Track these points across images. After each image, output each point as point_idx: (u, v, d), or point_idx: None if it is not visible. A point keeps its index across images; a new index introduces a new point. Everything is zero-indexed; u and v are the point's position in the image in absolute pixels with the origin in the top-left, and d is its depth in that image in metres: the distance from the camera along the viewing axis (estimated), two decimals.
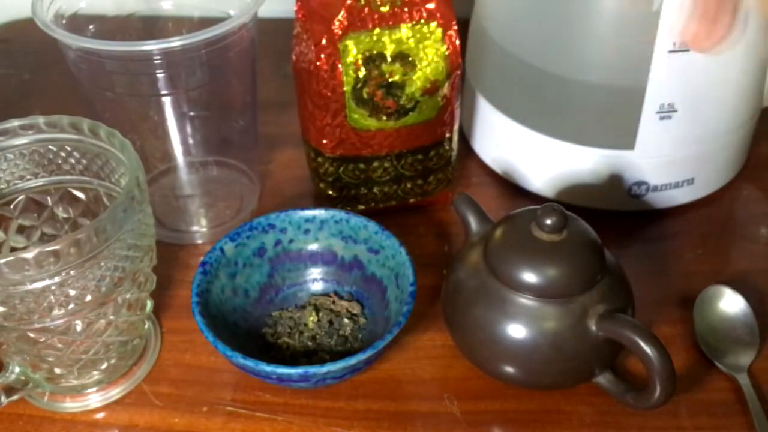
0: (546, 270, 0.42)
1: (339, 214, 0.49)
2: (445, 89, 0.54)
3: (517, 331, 0.42)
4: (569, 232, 0.43)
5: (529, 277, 0.42)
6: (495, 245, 0.44)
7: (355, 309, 0.50)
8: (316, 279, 0.51)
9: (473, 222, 0.48)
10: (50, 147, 0.45)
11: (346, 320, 0.49)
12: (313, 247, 0.50)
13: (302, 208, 0.50)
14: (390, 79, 0.52)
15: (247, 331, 0.48)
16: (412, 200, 0.59)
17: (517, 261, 0.43)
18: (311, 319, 0.49)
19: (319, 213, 0.49)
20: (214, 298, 0.46)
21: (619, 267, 0.45)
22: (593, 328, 0.42)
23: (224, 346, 0.42)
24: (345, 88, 0.51)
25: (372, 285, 0.49)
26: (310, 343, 0.48)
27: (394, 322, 0.43)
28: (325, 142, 0.54)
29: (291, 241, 0.50)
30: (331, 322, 0.49)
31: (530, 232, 0.43)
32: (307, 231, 0.50)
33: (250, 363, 0.41)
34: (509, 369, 0.44)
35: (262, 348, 0.48)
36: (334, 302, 0.50)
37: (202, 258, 0.47)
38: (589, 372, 0.44)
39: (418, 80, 0.52)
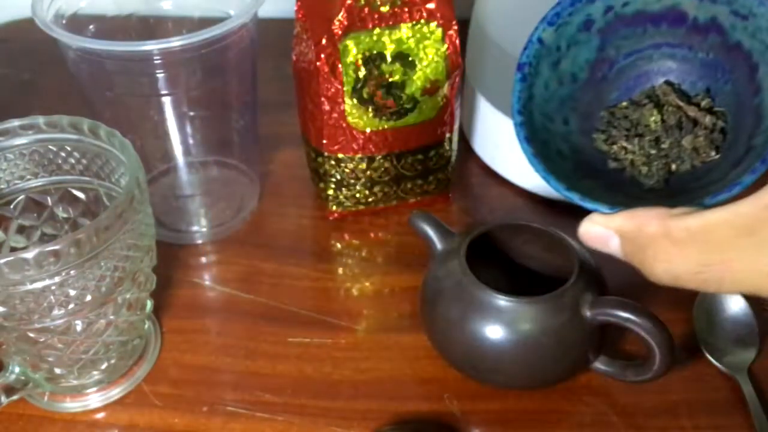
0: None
1: None
2: (445, 89, 0.54)
3: (518, 336, 0.42)
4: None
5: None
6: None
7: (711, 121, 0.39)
8: (658, 44, 0.41)
9: (435, 237, 0.48)
10: (50, 147, 0.45)
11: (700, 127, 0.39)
12: (655, 8, 0.40)
13: None
14: (390, 79, 0.52)
15: (574, 148, 0.41)
16: (412, 200, 0.59)
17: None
18: (652, 119, 0.40)
19: None
20: (537, 102, 0.40)
21: (588, 256, 0.46)
22: (587, 315, 0.42)
23: (557, 182, 0.36)
24: (345, 88, 0.51)
25: (736, 58, 0.38)
26: (653, 151, 0.39)
27: None
28: (325, 142, 0.54)
29: (626, 4, 0.40)
30: (680, 126, 0.39)
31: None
32: None
33: (588, 204, 0.36)
34: (515, 375, 0.44)
35: (593, 170, 0.41)
36: (681, 105, 0.40)
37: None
38: (586, 359, 0.44)
39: (418, 80, 0.52)
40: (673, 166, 0.38)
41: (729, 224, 0.29)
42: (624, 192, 0.39)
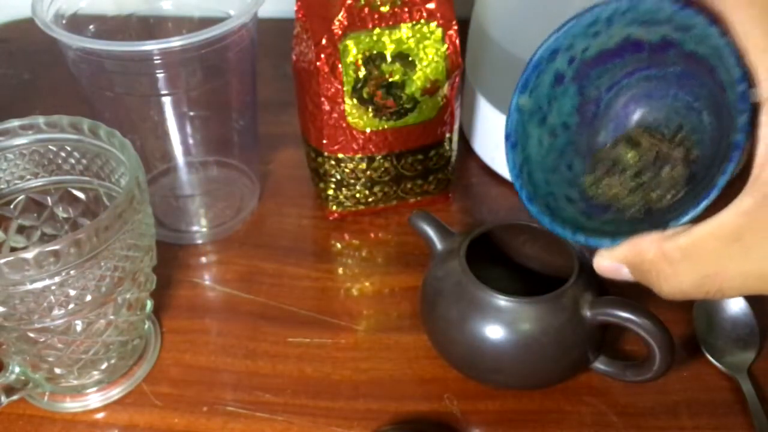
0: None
1: (622, 3, 0.39)
2: (445, 89, 0.54)
3: (518, 336, 0.42)
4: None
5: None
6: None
7: (683, 150, 0.41)
8: (631, 71, 0.43)
9: (435, 237, 0.48)
10: (50, 147, 0.45)
11: (674, 159, 0.40)
12: (612, 44, 0.41)
13: (577, 15, 0.41)
14: (390, 79, 0.52)
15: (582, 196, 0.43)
16: (412, 200, 0.59)
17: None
18: (629, 155, 0.42)
19: (600, 10, 0.40)
20: (535, 161, 0.42)
21: (588, 256, 0.46)
22: (587, 315, 0.42)
23: (562, 228, 0.38)
24: (345, 88, 0.51)
25: (697, 64, 0.39)
26: (632, 183, 0.41)
27: (735, 115, 0.33)
28: (325, 142, 0.54)
29: (585, 50, 0.42)
30: (656, 160, 0.41)
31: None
32: (596, 34, 0.41)
33: (601, 242, 0.37)
34: (515, 375, 0.44)
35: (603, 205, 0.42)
36: (655, 143, 0.42)
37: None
38: (586, 359, 0.44)
39: (418, 80, 0.52)
40: (653, 194, 0.40)
41: (714, 236, 0.31)
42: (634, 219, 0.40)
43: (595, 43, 0.41)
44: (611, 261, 0.35)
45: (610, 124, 0.43)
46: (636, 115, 0.43)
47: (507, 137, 0.41)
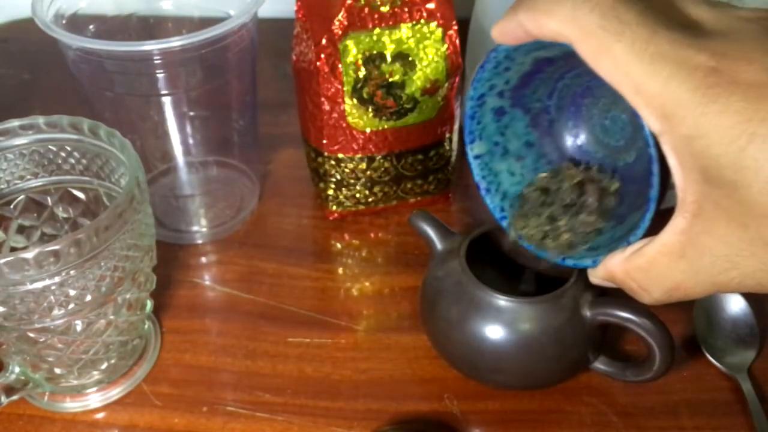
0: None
1: (506, 47, 0.40)
2: (445, 89, 0.54)
3: (518, 336, 0.42)
4: None
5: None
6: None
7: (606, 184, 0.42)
8: (559, 76, 0.43)
9: (435, 237, 0.48)
10: (50, 147, 0.45)
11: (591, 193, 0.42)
12: (527, 68, 0.43)
13: (480, 65, 0.42)
14: (390, 79, 0.52)
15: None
16: (412, 200, 0.59)
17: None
18: (543, 198, 0.43)
19: (494, 55, 0.41)
20: (513, 192, 0.44)
21: None
22: (587, 315, 0.42)
23: (552, 255, 0.40)
24: (345, 88, 0.51)
25: None
26: (547, 228, 0.42)
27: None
28: (325, 142, 0.54)
29: (507, 82, 0.43)
30: (574, 205, 0.42)
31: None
32: (507, 69, 0.42)
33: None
34: (515, 375, 0.44)
35: None
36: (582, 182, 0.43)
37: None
38: (586, 359, 0.45)
39: (418, 80, 0.52)
40: (566, 236, 0.41)
41: (662, 254, 0.32)
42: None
43: (511, 74, 0.43)
44: (596, 279, 0.38)
45: (569, 123, 0.44)
46: (586, 107, 0.44)
47: (478, 187, 0.43)
